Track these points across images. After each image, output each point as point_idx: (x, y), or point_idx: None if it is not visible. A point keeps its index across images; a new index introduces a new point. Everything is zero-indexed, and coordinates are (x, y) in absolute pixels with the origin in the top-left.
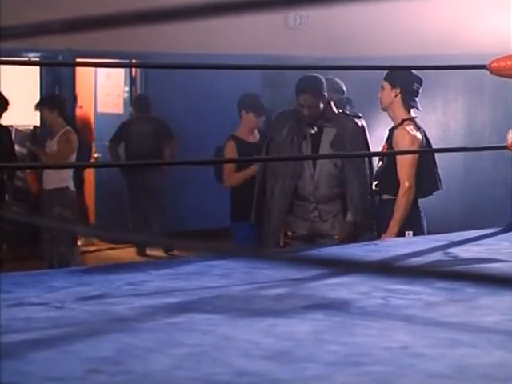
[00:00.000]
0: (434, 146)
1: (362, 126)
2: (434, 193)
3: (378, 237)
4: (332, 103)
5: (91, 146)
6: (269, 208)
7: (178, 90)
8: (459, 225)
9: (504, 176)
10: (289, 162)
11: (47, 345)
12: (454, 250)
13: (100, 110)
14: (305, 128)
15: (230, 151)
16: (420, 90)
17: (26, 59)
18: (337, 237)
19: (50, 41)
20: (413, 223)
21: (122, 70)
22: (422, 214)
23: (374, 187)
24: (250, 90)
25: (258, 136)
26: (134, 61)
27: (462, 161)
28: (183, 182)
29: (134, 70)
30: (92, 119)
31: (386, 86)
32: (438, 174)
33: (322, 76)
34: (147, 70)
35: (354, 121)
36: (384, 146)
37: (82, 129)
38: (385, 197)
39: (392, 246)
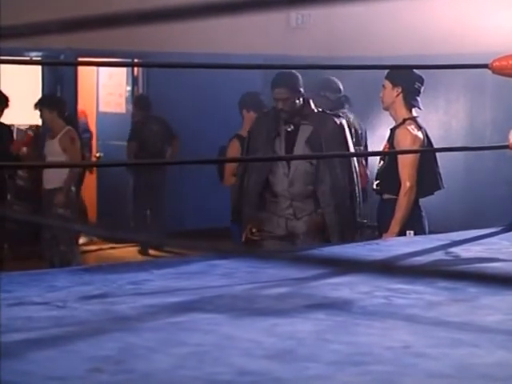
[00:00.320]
0: (435, 146)
1: (341, 124)
2: (436, 192)
3: (379, 236)
4: (311, 101)
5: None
6: (242, 204)
7: (180, 90)
8: (460, 224)
9: (505, 175)
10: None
11: (49, 344)
12: (455, 250)
13: (102, 109)
14: (280, 125)
15: (235, 150)
16: (421, 90)
17: (28, 58)
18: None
19: (52, 40)
20: (414, 223)
21: (124, 70)
22: (424, 214)
23: (374, 187)
24: (252, 90)
25: None
26: (136, 60)
27: (463, 160)
28: (184, 181)
29: (136, 69)
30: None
31: (388, 85)
32: (440, 174)
33: (297, 73)
34: (149, 69)
35: (333, 119)
36: (385, 146)
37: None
38: (385, 196)
39: (394, 246)
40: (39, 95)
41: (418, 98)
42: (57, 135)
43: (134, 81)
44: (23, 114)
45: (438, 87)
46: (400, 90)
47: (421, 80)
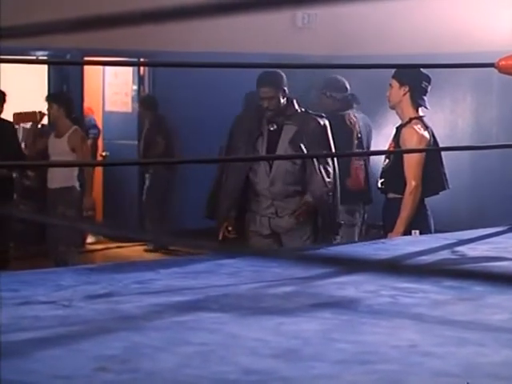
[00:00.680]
0: (441, 145)
1: (324, 125)
2: (441, 192)
3: (385, 236)
4: (294, 101)
5: None
6: (220, 201)
7: (186, 89)
8: (467, 223)
9: (511, 174)
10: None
11: (54, 343)
12: (461, 249)
13: (108, 108)
14: (263, 125)
15: None
16: (428, 89)
17: (34, 58)
18: (301, 234)
19: (58, 39)
20: (420, 222)
21: (130, 69)
22: (429, 213)
23: (379, 185)
24: None
25: None
26: (141, 59)
27: (469, 159)
28: (187, 180)
29: (142, 68)
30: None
31: (395, 84)
32: (445, 174)
33: (282, 72)
34: (155, 68)
35: (316, 119)
36: (390, 144)
37: None
38: (391, 195)
39: (400, 245)
40: (45, 95)
41: (425, 98)
42: (63, 134)
43: (140, 80)
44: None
45: (444, 86)
46: (407, 89)
47: (428, 79)
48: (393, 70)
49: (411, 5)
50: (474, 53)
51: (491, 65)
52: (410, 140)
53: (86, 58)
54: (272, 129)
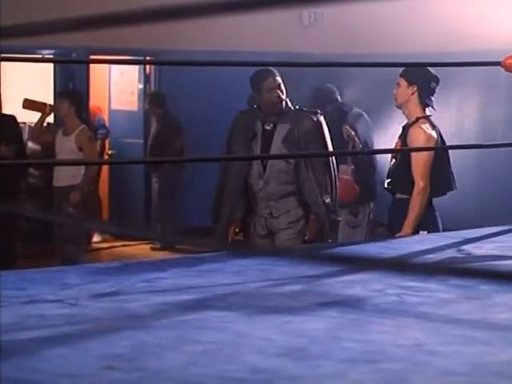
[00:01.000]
0: (447, 143)
1: (319, 121)
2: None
3: (392, 236)
4: (288, 99)
5: None
6: (223, 204)
7: (192, 88)
8: (473, 222)
9: None
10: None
11: (61, 342)
12: (467, 248)
13: (114, 106)
14: (257, 125)
15: None
16: (436, 90)
17: (40, 56)
18: (291, 232)
19: (64, 38)
20: (428, 223)
21: (136, 67)
22: (437, 214)
23: (386, 185)
24: None
25: None
26: (148, 58)
27: (475, 158)
28: (194, 178)
29: (148, 67)
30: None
31: (403, 83)
32: (453, 174)
33: (275, 70)
34: (161, 67)
35: (310, 116)
36: (397, 143)
37: None
38: (398, 196)
39: (406, 244)
40: (51, 93)
41: (433, 98)
42: (71, 133)
43: (146, 79)
44: (35, 113)
45: (450, 85)
46: (415, 89)
47: (436, 80)
48: (400, 69)
49: (419, 3)
50: (480, 51)
51: (497, 63)
52: (417, 139)
53: (92, 57)
54: (268, 128)
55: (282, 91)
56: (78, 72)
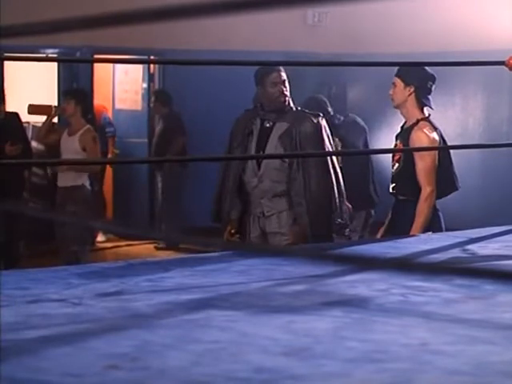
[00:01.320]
0: (452, 143)
1: (319, 124)
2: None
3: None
4: (290, 99)
5: None
6: (221, 204)
7: (196, 87)
8: (477, 222)
9: None
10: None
11: (65, 341)
12: (472, 247)
13: (118, 106)
14: (256, 122)
15: None
16: (433, 88)
17: (44, 55)
18: (285, 237)
19: (68, 37)
20: (432, 224)
21: (140, 67)
22: (440, 214)
23: (391, 190)
24: None
25: None
26: (152, 57)
27: (479, 158)
28: (197, 177)
29: (152, 66)
30: None
31: (399, 83)
32: (455, 174)
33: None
34: (165, 66)
35: (310, 118)
36: (396, 145)
37: None
38: (400, 197)
39: (411, 243)
40: (55, 93)
41: (430, 97)
42: (76, 132)
43: (151, 78)
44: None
45: (455, 84)
46: (413, 89)
47: (433, 79)
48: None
49: (423, 3)
50: (484, 51)
51: (501, 63)
52: (420, 144)
53: (96, 56)
54: (267, 125)
55: (285, 87)
56: (82, 71)
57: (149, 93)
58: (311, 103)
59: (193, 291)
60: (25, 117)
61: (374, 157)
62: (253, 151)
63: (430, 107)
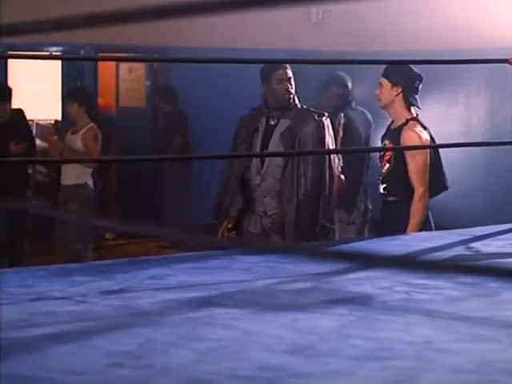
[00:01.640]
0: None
1: (322, 123)
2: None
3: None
4: (295, 96)
5: None
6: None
7: (200, 85)
8: (481, 220)
9: None
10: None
11: (69, 339)
12: (476, 245)
13: (122, 104)
14: (261, 120)
15: None
16: (420, 88)
17: (48, 53)
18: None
19: (72, 35)
20: (423, 224)
21: (143, 65)
22: (430, 213)
23: (381, 191)
24: None
25: None
26: (156, 55)
27: (483, 156)
28: (199, 176)
29: (155, 64)
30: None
31: (386, 83)
32: (445, 174)
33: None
34: (169, 64)
35: (313, 116)
36: (386, 145)
37: None
38: (390, 198)
39: (414, 241)
40: (59, 91)
41: (417, 97)
42: (79, 131)
43: (154, 76)
44: (43, 110)
45: (459, 83)
46: (400, 90)
47: (420, 78)
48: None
49: (427, 1)
50: (488, 49)
51: (505, 61)
52: (411, 144)
53: (100, 54)
54: (273, 123)
55: (291, 85)
56: (86, 69)
57: (152, 91)
58: (333, 79)
59: (196, 289)
60: (29, 114)
61: (373, 154)
62: (258, 149)
63: (418, 107)
